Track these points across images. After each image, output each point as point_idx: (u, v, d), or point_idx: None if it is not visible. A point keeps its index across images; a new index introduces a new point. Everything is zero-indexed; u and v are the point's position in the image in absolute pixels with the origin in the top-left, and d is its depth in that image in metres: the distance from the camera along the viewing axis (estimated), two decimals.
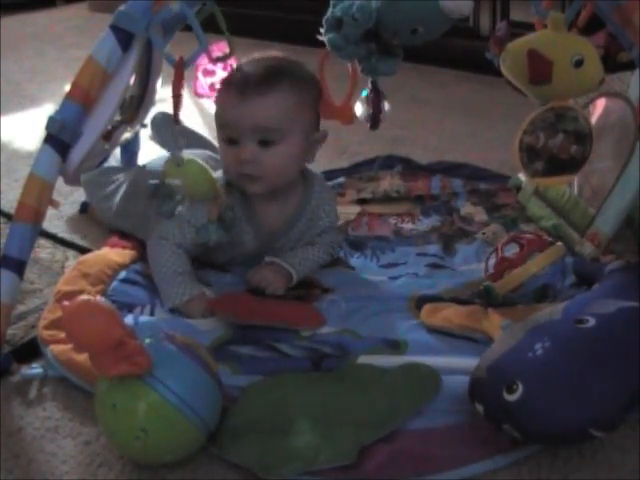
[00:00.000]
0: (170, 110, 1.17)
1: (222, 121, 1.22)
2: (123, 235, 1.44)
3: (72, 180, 1.30)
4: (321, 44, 1.17)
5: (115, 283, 1.28)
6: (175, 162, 1.13)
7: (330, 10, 1.12)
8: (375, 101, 1.22)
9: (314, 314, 1.20)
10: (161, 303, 1.23)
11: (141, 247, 1.40)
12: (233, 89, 1.19)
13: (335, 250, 1.37)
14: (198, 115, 2.09)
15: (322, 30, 1.14)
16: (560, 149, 1.02)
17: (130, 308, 1.21)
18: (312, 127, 1.25)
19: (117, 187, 1.46)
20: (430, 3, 1.05)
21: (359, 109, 1.26)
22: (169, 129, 1.60)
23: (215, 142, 1.60)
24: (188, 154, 1.21)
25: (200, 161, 1.20)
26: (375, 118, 1.23)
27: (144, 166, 1.48)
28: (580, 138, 1.02)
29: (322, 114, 1.19)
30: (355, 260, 1.40)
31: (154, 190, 1.15)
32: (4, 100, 2.28)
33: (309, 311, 1.22)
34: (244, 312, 1.19)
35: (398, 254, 1.41)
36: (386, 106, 1.23)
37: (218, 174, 1.25)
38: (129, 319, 1.16)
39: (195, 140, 1.59)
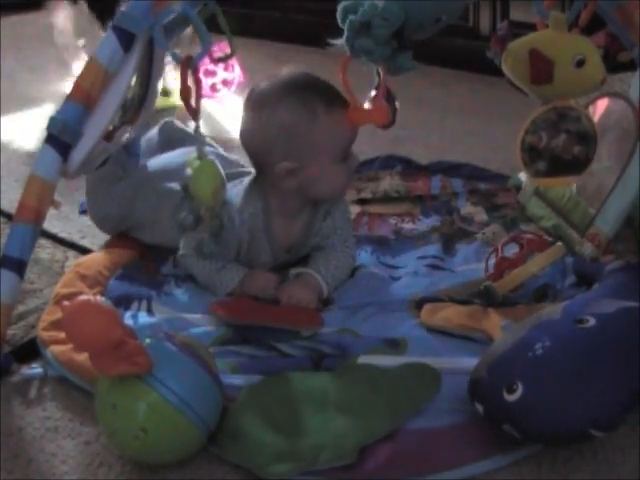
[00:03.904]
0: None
1: (344, 144, 1.24)
2: (123, 235, 1.44)
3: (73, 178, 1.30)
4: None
5: (112, 282, 1.28)
6: (198, 155, 1.13)
7: (348, 16, 1.10)
8: (388, 100, 1.21)
9: (313, 314, 1.21)
10: (157, 296, 1.24)
11: (141, 247, 1.40)
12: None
13: (352, 250, 1.34)
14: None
15: (340, 38, 1.13)
16: (563, 149, 1.02)
17: (127, 304, 1.21)
18: None
19: (122, 189, 1.43)
20: None
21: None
22: (178, 135, 1.60)
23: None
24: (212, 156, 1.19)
25: (216, 164, 1.16)
26: (392, 116, 1.22)
27: (146, 166, 1.48)
28: (583, 139, 1.02)
29: (355, 120, 1.19)
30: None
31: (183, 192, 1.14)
32: (4, 100, 2.27)
33: (307, 311, 1.22)
34: (243, 313, 1.19)
35: (398, 260, 1.40)
36: (397, 104, 1.23)
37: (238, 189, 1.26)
38: (129, 319, 1.17)
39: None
